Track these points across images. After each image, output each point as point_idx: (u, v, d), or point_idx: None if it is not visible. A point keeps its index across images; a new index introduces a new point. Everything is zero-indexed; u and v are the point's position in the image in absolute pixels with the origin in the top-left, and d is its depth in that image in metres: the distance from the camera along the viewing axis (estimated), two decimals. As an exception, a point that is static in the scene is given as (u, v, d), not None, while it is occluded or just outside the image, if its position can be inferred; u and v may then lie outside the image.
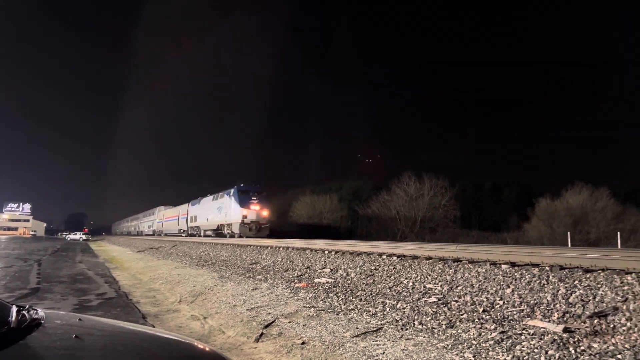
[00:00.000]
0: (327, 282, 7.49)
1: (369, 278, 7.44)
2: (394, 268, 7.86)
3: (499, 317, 4.42)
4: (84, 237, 64.65)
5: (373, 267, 8.19)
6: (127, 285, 10.32)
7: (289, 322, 5.24)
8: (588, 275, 5.32)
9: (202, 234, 36.49)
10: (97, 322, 2.25)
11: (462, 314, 4.64)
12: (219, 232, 32.92)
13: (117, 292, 9.20)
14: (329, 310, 5.41)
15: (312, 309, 5.57)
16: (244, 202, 29.22)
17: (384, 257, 9.09)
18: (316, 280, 7.80)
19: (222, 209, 32.13)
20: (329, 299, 6.04)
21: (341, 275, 8.10)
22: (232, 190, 30.72)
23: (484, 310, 4.75)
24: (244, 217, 28.61)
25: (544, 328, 3.86)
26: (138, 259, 18.49)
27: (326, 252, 11.20)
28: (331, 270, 8.70)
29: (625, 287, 4.63)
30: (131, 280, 11.46)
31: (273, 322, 5.36)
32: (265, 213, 29.84)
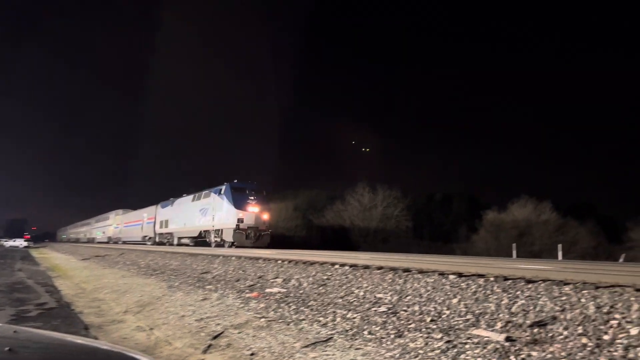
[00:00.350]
0: (279, 292, 7.45)
1: (321, 288, 7.46)
2: (346, 278, 7.91)
3: (445, 327, 4.53)
4: (25, 243, 60.85)
5: (325, 277, 8.22)
6: (69, 295, 9.89)
7: (239, 332, 5.17)
8: (530, 286, 5.54)
9: (175, 242, 31.26)
10: (34, 334, 2.15)
11: (410, 324, 4.72)
12: (201, 239, 27.49)
13: (58, 302, 8.81)
14: (280, 321, 5.38)
15: (262, 319, 5.52)
16: (239, 202, 23.84)
17: (336, 266, 9.14)
18: (268, 290, 7.75)
19: (208, 211, 26.39)
20: (280, 309, 6.01)
21: (293, 285, 8.08)
22: (224, 188, 25.12)
23: (431, 320, 4.85)
24: (240, 220, 23.29)
25: (487, 337, 3.98)
26: (82, 267, 17.76)
27: (279, 261, 11.15)
28: (284, 280, 8.66)
29: (564, 298, 4.86)
30: (74, 290, 10.99)
31: (222, 332, 5.27)
32: (265, 216, 24.51)
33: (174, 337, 5.52)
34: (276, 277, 9.03)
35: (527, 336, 3.96)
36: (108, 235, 51.88)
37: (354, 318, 5.18)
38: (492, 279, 6.21)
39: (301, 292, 7.38)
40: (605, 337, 3.68)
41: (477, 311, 4.98)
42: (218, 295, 7.51)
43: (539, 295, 5.08)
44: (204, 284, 9.17)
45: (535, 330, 4.11)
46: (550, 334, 3.97)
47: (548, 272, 6.35)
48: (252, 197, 24.23)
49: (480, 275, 6.53)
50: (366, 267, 8.60)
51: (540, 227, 32.35)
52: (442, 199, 49.60)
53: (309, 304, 6.30)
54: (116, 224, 48.90)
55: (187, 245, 28.52)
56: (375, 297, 6.33)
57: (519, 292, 5.34)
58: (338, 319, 5.21)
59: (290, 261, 10.93)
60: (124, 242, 43.08)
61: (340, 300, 6.43)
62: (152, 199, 40.82)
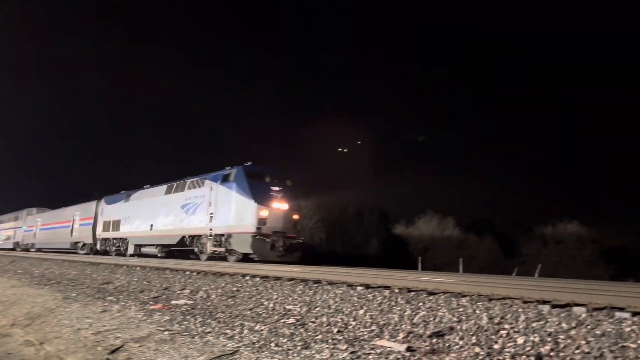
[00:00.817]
0: (185, 304, 7.20)
1: (230, 299, 7.33)
2: (256, 289, 7.84)
3: (351, 338, 4.63)
4: None
5: (235, 289, 8.09)
6: (-55, 308, 8.86)
7: (139, 346, 4.91)
8: (431, 298, 5.83)
9: (130, 251, 23.10)
10: None
11: (317, 335, 4.77)
12: (183, 249, 19.75)
13: None
14: (184, 334, 5.20)
15: (166, 332, 5.30)
16: (258, 194, 15.98)
17: (247, 278, 9.03)
18: (174, 302, 7.47)
19: (200, 208, 18.08)
20: (185, 322, 5.81)
21: (201, 296, 7.86)
22: (233, 172, 17.01)
23: (338, 331, 4.93)
24: (262, 222, 15.68)
25: (390, 347, 4.12)
26: (-37, 277, 16.01)
27: (187, 272, 10.82)
28: (191, 291, 8.40)
29: (461, 309, 5.17)
30: (-49, 301, 9.86)
31: (121, 346, 4.98)
32: (296, 217, 17.33)
33: (67, 352, 5.13)
34: (183, 289, 8.74)
35: (427, 346, 4.15)
36: (16, 240, 42.27)
37: (262, 330, 5.14)
38: (397, 290, 6.45)
39: (209, 304, 7.20)
40: (496, 346, 3.96)
41: (381, 322, 5.14)
42: (119, 307, 7.11)
43: (438, 307, 5.36)
44: (104, 295, 8.64)
45: (434, 340, 4.32)
46: (448, 344, 4.19)
47: (448, 285, 6.71)
48: (277, 188, 16.60)
49: (386, 287, 6.77)
50: (277, 278, 8.58)
51: (444, 242, 34.33)
52: (355, 212, 50.87)
53: (217, 316, 6.16)
54: (28, 226, 39.48)
55: (154, 256, 21.22)
56: (284, 308, 6.33)
57: (420, 304, 5.59)
58: (245, 332, 5.13)
59: (199, 272, 10.63)
60: (40, 250, 34.51)
61: (249, 312, 6.35)
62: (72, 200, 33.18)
